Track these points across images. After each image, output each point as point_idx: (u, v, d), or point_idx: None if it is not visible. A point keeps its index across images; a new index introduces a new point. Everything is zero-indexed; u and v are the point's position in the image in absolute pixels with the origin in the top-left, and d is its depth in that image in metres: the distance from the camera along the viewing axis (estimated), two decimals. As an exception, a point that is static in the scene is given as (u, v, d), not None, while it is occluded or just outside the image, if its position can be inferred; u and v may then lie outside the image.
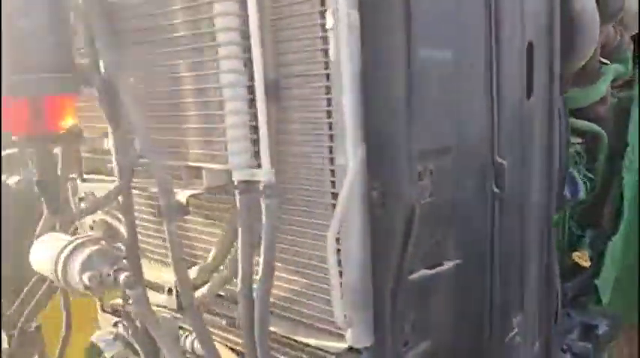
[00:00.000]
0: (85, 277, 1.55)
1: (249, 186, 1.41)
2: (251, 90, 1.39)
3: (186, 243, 1.90)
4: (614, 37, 2.31)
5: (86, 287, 1.57)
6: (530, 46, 1.74)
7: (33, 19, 1.41)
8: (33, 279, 1.96)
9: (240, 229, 1.42)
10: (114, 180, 1.72)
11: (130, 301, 1.61)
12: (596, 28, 2.02)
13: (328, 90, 1.41)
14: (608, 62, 2.33)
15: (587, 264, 2.42)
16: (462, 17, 1.50)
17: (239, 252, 1.44)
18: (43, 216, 1.94)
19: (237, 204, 1.42)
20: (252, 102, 1.39)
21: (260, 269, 1.40)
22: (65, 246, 1.63)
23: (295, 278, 1.59)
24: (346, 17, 1.33)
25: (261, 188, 1.37)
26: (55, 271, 1.62)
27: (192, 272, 1.75)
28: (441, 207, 1.56)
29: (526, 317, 1.90)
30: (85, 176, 1.97)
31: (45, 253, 1.71)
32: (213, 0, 1.35)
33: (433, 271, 1.55)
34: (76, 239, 1.65)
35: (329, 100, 1.42)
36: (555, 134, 1.96)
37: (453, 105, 1.53)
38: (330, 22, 1.36)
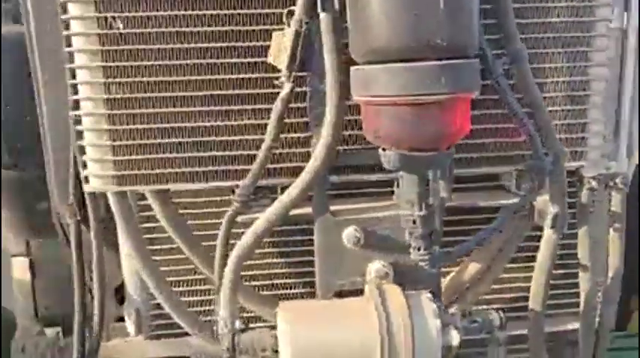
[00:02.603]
0: (454, 337, 1.09)
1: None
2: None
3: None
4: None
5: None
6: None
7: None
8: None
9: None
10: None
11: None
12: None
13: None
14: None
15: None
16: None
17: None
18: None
19: (584, 201, 1.31)
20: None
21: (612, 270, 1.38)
22: (385, 305, 1.07)
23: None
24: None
25: (618, 180, 1.35)
26: (389, 344, 1.05)
27: None
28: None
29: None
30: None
31: (338, 330, 1.07)
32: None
33: None
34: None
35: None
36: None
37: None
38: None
